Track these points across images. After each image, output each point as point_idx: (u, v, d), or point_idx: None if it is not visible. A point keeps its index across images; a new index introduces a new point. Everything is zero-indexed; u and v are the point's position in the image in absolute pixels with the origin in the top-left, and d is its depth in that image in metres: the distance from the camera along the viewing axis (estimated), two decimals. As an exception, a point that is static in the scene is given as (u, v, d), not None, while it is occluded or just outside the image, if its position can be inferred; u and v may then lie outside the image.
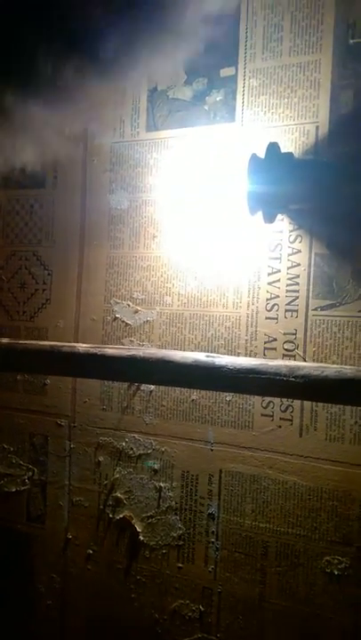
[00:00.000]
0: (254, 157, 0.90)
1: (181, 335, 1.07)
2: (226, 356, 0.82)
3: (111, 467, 1.15)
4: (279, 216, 0.96)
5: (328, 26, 0.91)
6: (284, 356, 0.97)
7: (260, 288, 0.99)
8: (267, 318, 0.99)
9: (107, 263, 1.14)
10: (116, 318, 1.13)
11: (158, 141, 1.08)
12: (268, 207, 0.92)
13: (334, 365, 0.74)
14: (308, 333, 0.96)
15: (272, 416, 0.99)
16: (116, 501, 1.14)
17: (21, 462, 1.25)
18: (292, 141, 0.95)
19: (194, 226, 1.05)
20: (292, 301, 0.97)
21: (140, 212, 1.11)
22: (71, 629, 1.21)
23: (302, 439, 0.97)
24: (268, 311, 0.99)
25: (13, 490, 1.26)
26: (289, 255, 0.97)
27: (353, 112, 0.91)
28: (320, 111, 0.93)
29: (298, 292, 0.96)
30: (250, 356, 1.00)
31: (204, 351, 1.03)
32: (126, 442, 1.13)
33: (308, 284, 0.95)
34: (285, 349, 0.97)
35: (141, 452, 1.11)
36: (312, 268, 0.95)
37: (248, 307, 1.00)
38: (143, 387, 1.11)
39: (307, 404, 0.96)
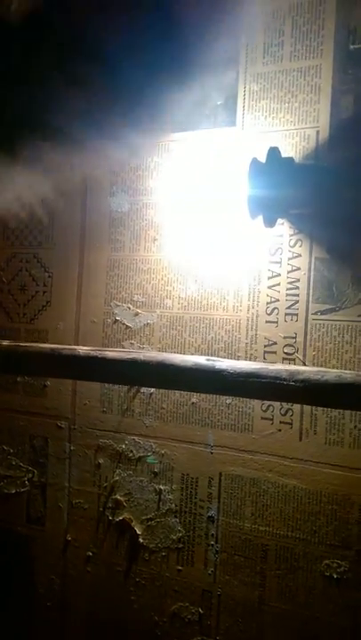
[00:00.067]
0: (255, 162, 0.90)
1: (182, 338, 1.07)
2: (226, 360, 0.82)
3: (111, 469, 1.15)
4: (279, 220, 0.96)
5: (329, 31, 0.92)
6: (283, 359, 0.97)
7: (260, 292, 1.00)
8: (267, 322, 0.99)
9: (107, 266, 1.14)
10: (116, 321, 1.14)
11: (159, 145, 1.09)
12: (269, 211, 0.92)
13: (334, 370, 0.75)
14: (308, 337, 0.96)
15: (272, 419, 0.99)
16: (115, 504, 1.14)
17: (21, 464, 1.25)
18: (293, 146, 0.95)
19: (194, 229, 1.05)
20: (292, 305, 0.97)
21: (140, 214, 1.11)
22: (71, 631, 1.21)
23: (302, 443, 0.97)
24: (269, 315, 0.99)
25: (13, 491, 1.26)
26: (289, 259, 0.97)
27: (353, 117, 0.91)
28: (321, 116, 0.93)
29: (298, 295, 0.96)
30: (250, 359, 1.00)
31: (205, 354, 1.03)
32: (126, 444, 1.13)
33: (309, 288, 0.95)
34: (285, 353, 0.98)
35: (141, 454, 1.11)
36: (312, 273, 0.95)
37: (248, 310, 1.01)
38: (143, 389, 1.11)
39: (306, 407, 0.96)
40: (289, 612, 0.98)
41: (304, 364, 0.95)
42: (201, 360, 0.83)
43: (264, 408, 1.00)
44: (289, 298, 0.97)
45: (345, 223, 0.92)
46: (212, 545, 1.05)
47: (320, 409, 0.95)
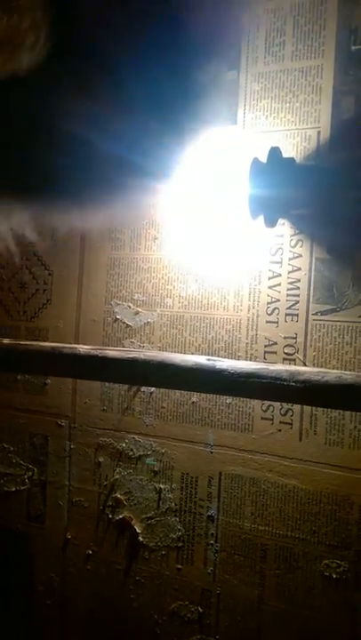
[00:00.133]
0: (256, 161, 0.90)
1: (182, 337, 1.07)
2: (227, 360, 0.82)
3: (111, 467, 1.15)
4: (280, 220, 0.96)
5: (330, 31, 0.92)
6: (284, 359, 0.98)
7: (260, 292, 1.00)
8: (267, 322, 0.99)
9: (108, 264, 1.14)
10: (116, 319, 1.14)
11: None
12: (270, 211, 0.92)
13: (335, 371, 0.75)
14: (309, 338, 0.96)
15: (272, 419, 0.99)
16: (115, 502, 1.14)
17: (21, 462, 1.26)
18: (294, 146, 0.95)
19: (195, 228, 1.05)
20: (292, 305, 0.97)
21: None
22: (70, 629, 1.21)
23: (302, 443, 0.97)
24: (269, 315, 0.99)
25: (13, 489, 1.26)
26: (290, 259, 0.97)
27: (354, 118, 0.91)
28: (322, 116, 0.93)
29: (298, 296, 0.96)
30: (250, 359, 1.00)
31: (205, 354, 1.03)
32: (126, 443, 1.13)
33: (309, 289, 0.96)
34: (286, 353, 0.98)
35: (141, 453, 1.11)
36: (313, 273, 0.95)
37: (249, 310, 1.01)
38: (143, 388, 1.11)
39: (306, 408, 0.96)
40: (288, 612, 0.99)
41: (304, 365, 0.95)
42: (201, 360, 0.83)
43: (264, 408, 1.00)
44: (289, 298, 0.97)
45: (346, 224, 0.92)
46: (212, 544, 1.05)
47: (320, 409, 0.95)
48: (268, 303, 0.99)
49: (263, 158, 0.90)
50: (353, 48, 0.90)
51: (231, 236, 1.01)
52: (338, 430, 0.94)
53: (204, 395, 1.05)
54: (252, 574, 1.02)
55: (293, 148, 0.95)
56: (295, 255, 0.96)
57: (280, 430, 0.99)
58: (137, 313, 1.11)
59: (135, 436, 1.12)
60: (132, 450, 1.12)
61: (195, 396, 1.06)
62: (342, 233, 0.92)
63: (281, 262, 0.98)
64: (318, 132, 0.94)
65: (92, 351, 0.90)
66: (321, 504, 0.96)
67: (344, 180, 0.91)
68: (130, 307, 1.12)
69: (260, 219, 0.92)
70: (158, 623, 1.10)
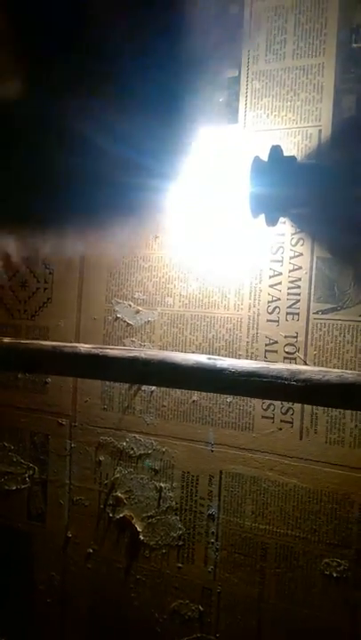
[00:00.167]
0: (257, 160, 0.90)
1: (182, 336, 1.07)
2: (227, 359, 0.82)
3: (112, 466, 1.15)
4: (281, 219, 0.96)
5: (331, 29, 0.91)
6: (285, 358, 0.97)
7: (261, 290, 0.99)
8: (268, 321, 0.99)
9: (108, 263, 1.14)
10: (117, 318, 1.14)
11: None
12: (271, 210, 0.92)
13: (336, 370, 0.75)
14: (310, 337, 0.96)
15: (273, 418, 0.99)
16: (116, 501, 1.14)
17: (22, 461, 1.26)
18: (295, 144, 0.95)
19: (196, 227, 1.05)
20: (293, 304, 0.97)
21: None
22: (71, 627, 1.21)
23: (302, 442, 0.97)
24: (270, 314, 0.99)
25: (14, 488, 1.26)
26: (291, 258, 0.97)
27: (356, 116, 0.90)
28: (323, 115, 0.93)
29: (299, 295, 0.96)
30: (251, 358, 1.00)
31: (205, 352, 1.03)
32: (127, 442, 1.13)
33: (310, 288, 0.95)
34: (286, 352, 0.98)
35: (142, 452, 1.11)
36: (314, 272, 0.95)
37: (249, 309, 1.01)
38: (144, 387, 1.11)
39: (307, 406, 0.96)
40: (288, 611, 0.99)
41: (305, 364, 0.95)
42: (202, 359, 0.83)
43: (265, 407, 1.00)
44: (290, 297, 0.97)
45: (347, 222, 0.92)
46: (213, 543, 1.05)
47: (321, 408, 0.95)
48: (268, 302, 0.99)
49: (264, 157, 0.90)
50: (354, 46, 0.90)
51: (232, 235, 1.01)
52: (338, 429, 0.94)
53: (204, 393, 1.05)
54: (252, 573, 1.02)
55: (294, 147, 0.95)
56: (296, 254, 0.96)
57: (281, 429, 0.99)
58: (137, 312, 1.11)
59: (136, 435, 1.12)
60: (132, 449, 1.12)
61: (195, 395, 1.06)
62: (343, 232, 0.92)
63: (282, 261, 0.98)
64: (319, 131, 0.93)
65: (93, 350, 0.90)
66: (321, 503, 0.96)
67: (345, 178, 0.91)
68: (130, 305, 1.12)
69: (261, 217, 0.92)
70: (159, 622, 1.10)
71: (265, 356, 0.99)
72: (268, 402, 0.99)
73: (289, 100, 0.96)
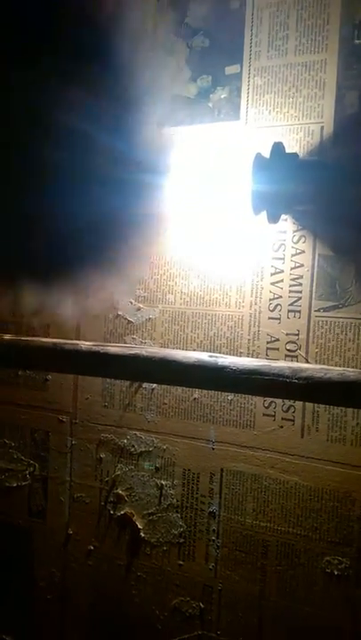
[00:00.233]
0: (259, 156, 0.89)
1: (184, 334, 1.07)
2: (229, 357, 0.82)
3: (112, 463, 1.15)
4: (283, 216, 0.95)
5: (334, 26, 0.91)
6: (286, 356, 0.97)
7: (262, 288, 0.99)
8: (269, 318, 0.99)
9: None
10: (118, 315, 1.13)
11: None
12: (272, 207, 0.92)
13: (338, 368, 0.75)
14: (311, 334, 0.95)
15: (274, 416, 0.99)
16: (117, 498, 1.14)
17: (23, 457, 1.26)
18: (297, 141, 0.95)
19: (197, 224, 1.04)
20: (294, 302, 0.97)
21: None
22: (71, 624, 1.21)
23: (304, 440, 0.97)
24: (271, 311, 0.99)
25: (14, 485, 1.26)
26: (292, 256, 0.96)
27: (358, 113, 0.90)
28: (325, 111, 0.92)
29: (301, 292, 0.96)
30: (252, 356, 1.00)
31: (207, 350, 1.03)
32: (128, 439, 1.13)
33: (312, 285, 0.95)
34: (288, 350, 0.97)
35: (143, 449, 1.11)
36: (315, 269, 0.95)
37: (251, 306, 1.00)
38: (145, 385, 1.11)
39: (309, 404, 0.96)
40: (289, 608, 0.99)
41: (307, 362, 0.95)
42: (204, 356, 0.83)
43: (266, 404, 1.00)
44: (292, 294, 0.97)
45: (349, 220, 0.91)
46: (214, 540, 1.05)
47: (322, 406, 0.95)
48: (270, 299, 0.99)
49: (266, 153, 0.90)
50: (357, 42, 0.89)
51: (233, 232, 1.01)
52: (340, 427, 0.94)
53: (205, 391, 1.04)
54: (253, 570, 1.02)
55: (297, 144, 0.95)
56: (298, 251, 0.96)
57: (282, 427, 0.99)
58: (138, 309, 1.11)
59: (137, 433, 1.12)
60: (133, 446, 1.12)
61: (196, 393, 1.06)
62: (345, 229, 0.92)
63: (283, 258, 0.97)
64: (322, 128, 0.93)
65: (94, 347, 0.90)
66: (323, 501, 0.96)
67: (347, 175, 0.91)
68: (131, 303, 1.12)
69: (263, 214, 0.92)
70: (160, 619, 1.10)
71: (266, 354, 0.99)
72: (269, 399, 0.99)
73: (291, 97, 0.95)
